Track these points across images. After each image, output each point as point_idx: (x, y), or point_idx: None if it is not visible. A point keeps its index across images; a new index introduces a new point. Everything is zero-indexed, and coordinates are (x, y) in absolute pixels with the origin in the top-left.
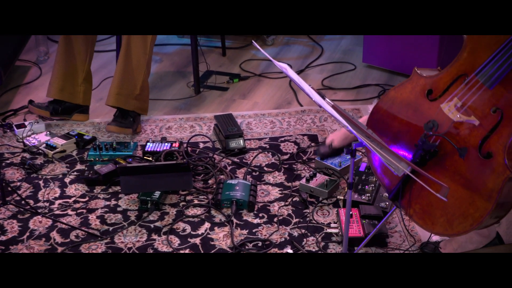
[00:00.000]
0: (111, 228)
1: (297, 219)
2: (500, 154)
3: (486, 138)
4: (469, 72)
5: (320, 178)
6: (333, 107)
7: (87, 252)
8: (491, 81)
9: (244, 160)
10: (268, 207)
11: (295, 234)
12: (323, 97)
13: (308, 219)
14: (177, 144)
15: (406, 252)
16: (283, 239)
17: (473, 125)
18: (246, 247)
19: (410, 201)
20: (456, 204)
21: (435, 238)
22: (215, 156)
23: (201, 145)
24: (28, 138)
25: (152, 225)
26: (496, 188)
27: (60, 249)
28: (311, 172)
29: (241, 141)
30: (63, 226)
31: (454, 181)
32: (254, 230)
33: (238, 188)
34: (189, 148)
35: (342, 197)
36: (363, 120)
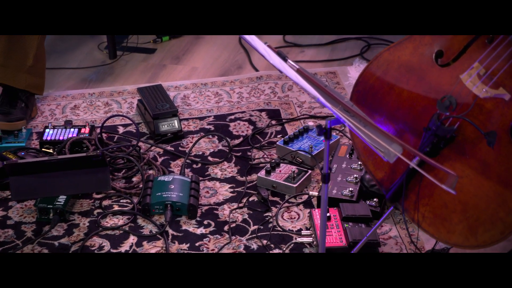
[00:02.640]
0: None
1: (255, 226)
2: None
3: None
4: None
5: (285, 168)
6: (298, 71)
7: None
8: None
9: (180, 148)
10: (215, 212)
11: (254, 246)
12: (284, 58)
13: (271, 225)
14: (87, 130)
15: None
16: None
17: (503, 100)
18: None
19: (417, 203)
20: (481, 205)
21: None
22: (140, 144)
23: (121, 130)
24: None
25: (56, 243)
26: None
27: None
28: (273, 161)
29: (176, 122)
30: None
31: (478, 176)
32: (197, 244)
33: (173, 187)
34: (104, 135)
35: (316, 193)
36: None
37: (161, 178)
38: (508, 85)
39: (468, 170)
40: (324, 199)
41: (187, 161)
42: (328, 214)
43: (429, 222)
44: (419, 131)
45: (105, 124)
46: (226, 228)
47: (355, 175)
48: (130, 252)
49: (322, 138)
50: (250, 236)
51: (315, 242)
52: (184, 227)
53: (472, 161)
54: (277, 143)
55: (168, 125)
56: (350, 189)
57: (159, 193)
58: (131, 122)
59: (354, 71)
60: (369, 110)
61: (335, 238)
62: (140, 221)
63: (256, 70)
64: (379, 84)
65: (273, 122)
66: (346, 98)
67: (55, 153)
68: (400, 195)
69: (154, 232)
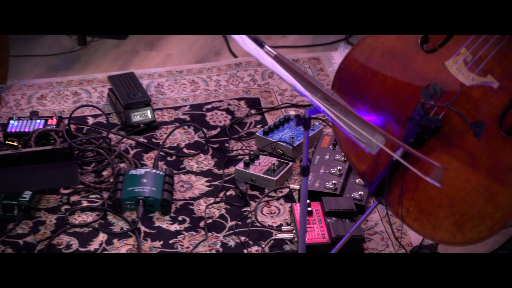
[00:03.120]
0: None
1: (233, 222)
2: None
3: (510, 106)
4: None
5: (265, 161)
6: (276, 58)
7: None
8: None
9: (154, 140)
10: (191, 207)
11: (231, 243)
12: (261, 44)
13: (249, 221)
14: (54, 121)
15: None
16: (213, 252)
17: (491, 89)
18: None
19: (401, 197)
20: (469, 200)
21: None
22: (111, 136)
23: (90, 121)
24: None
25: (21, 241)
26: None
27: None
28: (252, 153)
29: (149, 112)
30: None
31: (465, 169)
32: (171, 241)
33: (146, 181)
34: (72, 126)
35: (297, 187)
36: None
37: (133, 171)
38: (496, 72)
39: (455, 163)
40: (304, 193)
41: (161, 153)
42: (309, 209)
43: (414, 218)
44: (403, 121)
45: (73, 115)
46: (202, 224)
47: (338, 167)
48: (99, 250)
49: (300, 127)
50: (228, 233)
51: (296, 238)
52: (157, 224)
53: (459, 153)
54: (256, 133)
55: (140, 116)
56: (334, 181)
57: (131, 188)
58: (101, 112)
59: (338, 57)
60: (352, 99)
61: (317, 234)
62: (110, 217)
63: (235, 56)
64: (362, 71)
65: (253, 111)
66: (330, 85)
67: (20, 146)
68: (383, 189)
69: (125, 229)
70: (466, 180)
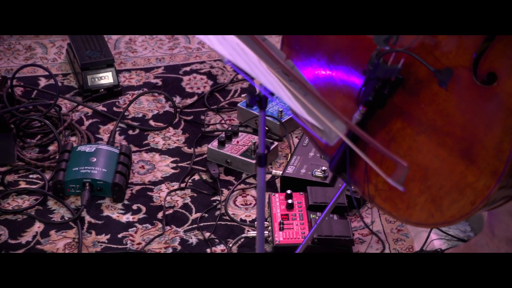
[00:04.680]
0: None
1: (198, 214)
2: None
3: (484, 49)
4: None
5: (245, 139)
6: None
7: None
8: None
9: (115, 109)
10: (150, 194)
11: (192, 240)
12: None
13: (218, 213)
14: None
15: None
16: (170, 251)
17: None
18: None
19: (367, 172)
20: (445, 169)
21: (437, 243)
22: (64, 102)
23: (43, 82)
24: None
25: None
26: (509, 134)
27: None
28: (230, 129)
29: (110, 75)
30: None
31: (436, 131)
32: (120, 235)
33: (95, 160)
34: (19, 89)
35: (280, 173)
36: None
37: (81, 148)
38: None
39: (425, 124)
40: (260, 186)
41: (122, 125)
42: (289, 201)
43: (384, 197)
44: (360, 75)
45: (23, 75)
46: (160, 215)
47: None
48: (32, 244)
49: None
50: (190, 227)
51: (270, 238)
52: (106, 213)
53: (429, 112)
54: (238, 105)
55: (100, 79)
56: (324, 168)
57: (76, 168)
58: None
59: None
60: (304, 56)
61: (296, 232)
62: (51, 203)
63: None
64: None
65: (239, 77)
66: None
67: None
68: (345, 163)
69: (66, 219)
70: (440, 144)
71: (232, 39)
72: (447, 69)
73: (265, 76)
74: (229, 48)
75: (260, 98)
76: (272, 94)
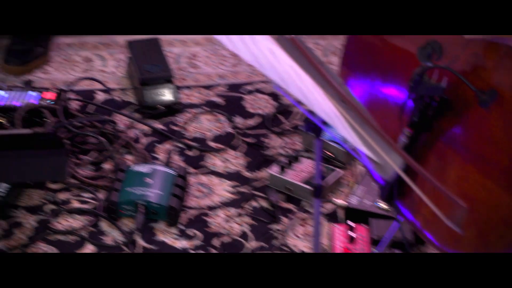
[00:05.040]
0: None
1: (255, 243)
2: None
3: None
4: None
5: (307, 165)
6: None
7: None
8: None
9: (174, 128)
10: (205, 218)
11: None
12: None
13: (274, 242)
14: (52, 95)
15: None
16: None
17: None
18: None
19: (414, 200)
20: (491, 202)
21: None
22: (120, 118)
23: (101, 96)
24: None
25: None
26: None
27: None
28: (292, 154)
29: (171, 92)
30: None
31: (482, 159)
32: None
33: (151, 181)
34: (77, 103)
35: (343, 203)
36: None
37: (136, 168)
38: None
39: (474, 151)
40: (316, 217)
41: (179, 145)
42: (352, 234)
43: (430, 228)
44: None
45: (80, 89)
46: (216, 242)
47: None
48: None
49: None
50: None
51: None
52: (160, 237)
53: (477, 138)
54: (299, 127)
55: (159, 95)
56: None
57: (130, 189)
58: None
59: None
60: (361, 75)
61: None
62: (104, 225)
63: None
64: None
65: None
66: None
67: (7, 124)
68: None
69: (119, 243)
70: (487, 174)
71: (285, 61)
72: (492, 91)
73: (318, 103)
74: (281, 72)
75: (315, 126)
76: (325, 123)
